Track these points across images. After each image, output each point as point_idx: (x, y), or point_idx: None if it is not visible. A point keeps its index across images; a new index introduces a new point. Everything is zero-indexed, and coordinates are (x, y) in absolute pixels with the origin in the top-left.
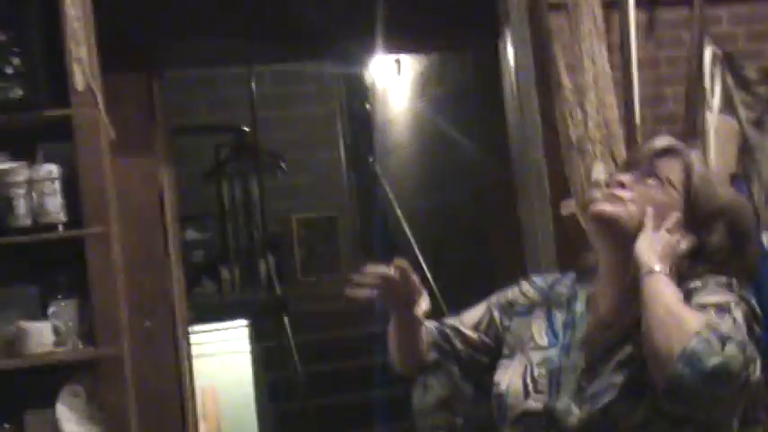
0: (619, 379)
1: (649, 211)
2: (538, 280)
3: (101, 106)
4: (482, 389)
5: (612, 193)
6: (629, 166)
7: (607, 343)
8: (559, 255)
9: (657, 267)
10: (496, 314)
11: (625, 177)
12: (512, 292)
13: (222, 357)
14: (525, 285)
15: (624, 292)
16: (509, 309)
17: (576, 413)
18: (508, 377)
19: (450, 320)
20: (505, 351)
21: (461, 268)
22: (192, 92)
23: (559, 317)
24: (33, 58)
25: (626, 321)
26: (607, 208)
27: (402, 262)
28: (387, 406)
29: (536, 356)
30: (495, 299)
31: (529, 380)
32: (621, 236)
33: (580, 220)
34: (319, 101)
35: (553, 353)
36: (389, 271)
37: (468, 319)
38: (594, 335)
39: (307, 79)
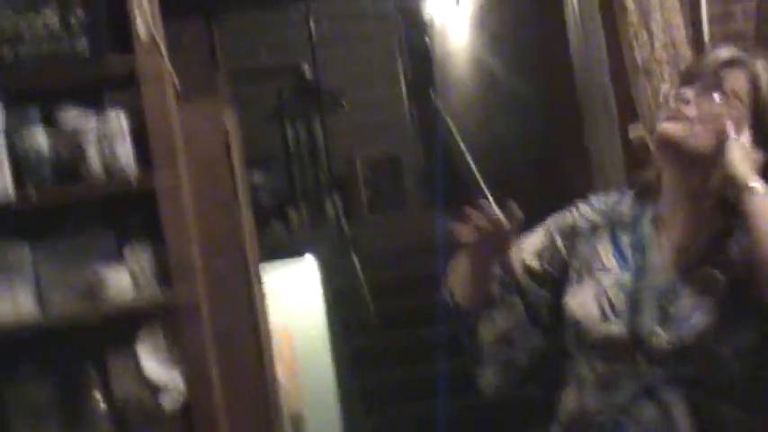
0: (706, 301)
1: (729, 121)
2: (596, 201)
3: (164, 54)
4: (546, 321)
5: (677, 110)
6: (691, 77)
7: (685, 265)
8: (629, 180)
9: (756, 182)
10: (558, 240)
11: (689, 92)
12: (571, 216)
13: (294, 296)
14: (584, 207)
15: (699, 212)
16: (571, 233)
17: (663, 336)
18: (580, 301)
19: (512, 250)
20: (571, 275)
21: (529, 198)
22: (252, 35)
23: (625, 239)
24: (96, 9)
25: (703, 242)
26: (672, 130)
27: (515, 213)
28: (458, 340)
29: (607, 279)
30: (553, 224)
31: (604, 303)
32: (689, 157)
33: (648, 144)
34: (378, 38)
35: (625, 276)
36: (501, 218)
37: (530, 248)
38: (671, 257)
39: (364, 16)
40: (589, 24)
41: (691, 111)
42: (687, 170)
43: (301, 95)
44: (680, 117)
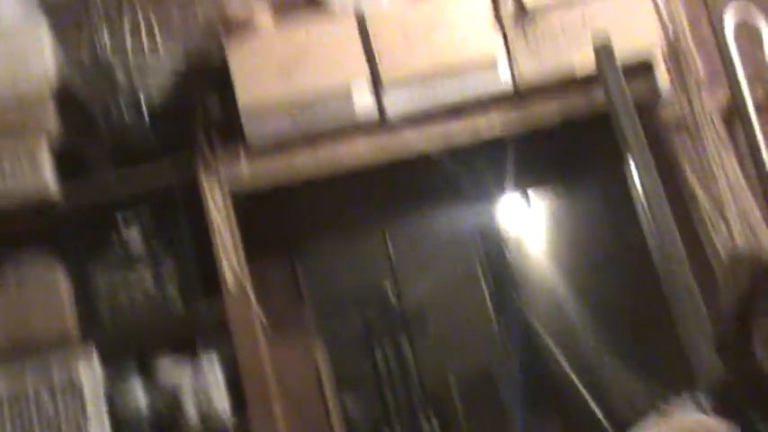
0: None
1: None
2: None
3: (252, 297)
4: None
5: None
6: None
7: None
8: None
9: None
10: None
11: None
12: None
13: None
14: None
15: None
16: None
17: None
18: None
19: None
20: None
21: (624, 396)
22: (332, 260)
23: None
24: (187, 267)
25: None
26: None
27: None
28: None
29: None
30: None
31: None
32: None
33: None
34: (456, 251)
35: None
36: None
37: None
38: None
39: (441, 233)
40: (661, 218)
41: None
42: None
43: (386, 315)
44: None
